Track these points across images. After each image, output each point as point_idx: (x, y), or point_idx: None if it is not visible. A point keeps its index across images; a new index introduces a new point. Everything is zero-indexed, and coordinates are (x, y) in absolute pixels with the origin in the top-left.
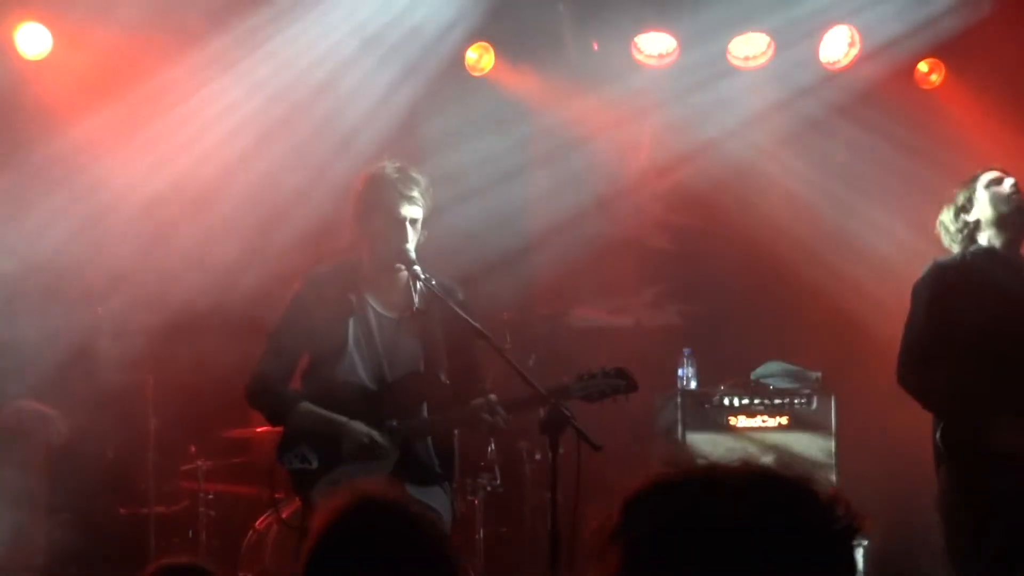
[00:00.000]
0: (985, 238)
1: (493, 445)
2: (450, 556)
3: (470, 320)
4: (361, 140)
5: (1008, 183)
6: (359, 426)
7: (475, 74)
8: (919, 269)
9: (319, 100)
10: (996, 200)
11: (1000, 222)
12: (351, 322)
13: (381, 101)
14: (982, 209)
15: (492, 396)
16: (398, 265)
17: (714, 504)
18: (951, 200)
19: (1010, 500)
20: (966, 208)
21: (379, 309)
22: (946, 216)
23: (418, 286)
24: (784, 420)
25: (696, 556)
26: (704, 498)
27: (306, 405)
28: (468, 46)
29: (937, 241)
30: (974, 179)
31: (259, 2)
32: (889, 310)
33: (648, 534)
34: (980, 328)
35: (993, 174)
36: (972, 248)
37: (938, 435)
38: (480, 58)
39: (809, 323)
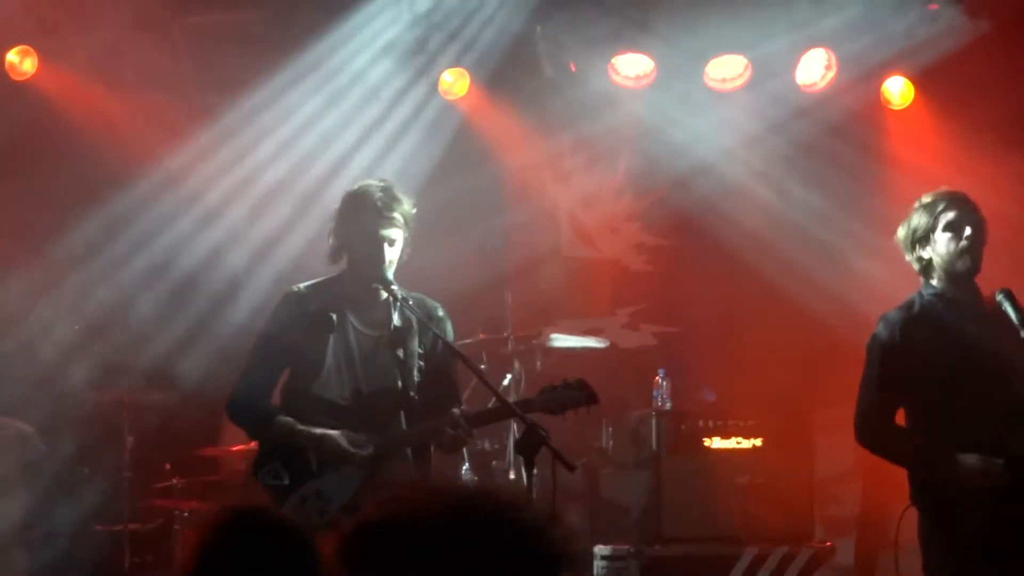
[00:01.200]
0: (937, 279)
1: (467, 464)
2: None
3: (447, 340)
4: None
5: (965, 237)
6: (334, 434)
7: (449, 98)
8: (902, 286)
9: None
10: (950, 254)
11: (951, 274)
12: (331, 339)
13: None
14: (938, 252)
15: (456, 411)
16: (376, 284)
17: (422, 535)
18: (908, 221)
19: (982, 536)
20: (922, 242)
21: (358, 326)
22: (903, 238)
23: (398, 304)
24: (759, 442)
25: None
26: (411, 530)
27: (283, 419)
28: (443, 71)
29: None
30: (934, 212)
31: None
32: (870, 328)
33: (367, 562)
34: (934, 376)
35: (952, 215)
36: (923, 292)
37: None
38: (455, 82)
39: (786, 342)
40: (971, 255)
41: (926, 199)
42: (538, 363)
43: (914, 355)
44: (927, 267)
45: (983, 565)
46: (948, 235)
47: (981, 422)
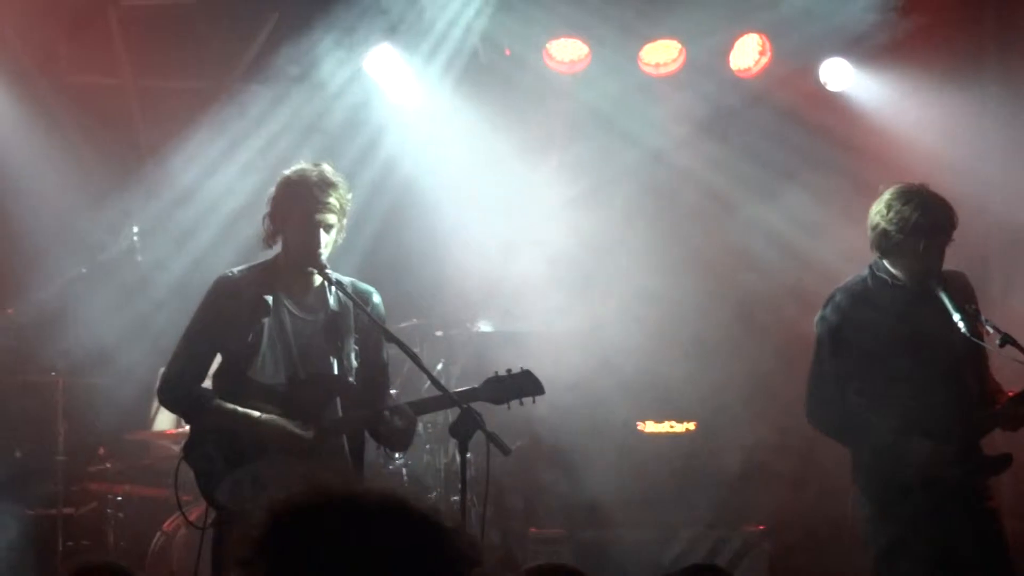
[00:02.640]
0: (894, 265)
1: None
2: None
3: (382, 325)
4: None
5: (931, 262)
6: (271, 417)
7: (379, 76)
8: (851, 268)
9: None
10: (915, 256)
11: (912, 273)
12: (265, 322)
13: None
14: (901, 252)
15: (393, 391)
16: (310, 268)
17: (350, 527)
18: (881, 202)
19: (922, 525)
20: (888, 234)
21: (293, 310)
22: (872, 225)
23: (333, 289)
24: (692, 426)
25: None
26: (340, 521)
27: (220, 403)
28: (373, 49)
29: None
30: (906, 212)
31: None
32: (810, 304)
33: (284, 551)
34: (880, 356)
35: (924, 221)
36: (875, 270)
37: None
38: (385, 63)
39: (726, 326)
40: (930, 275)
41: (907, 205)
42: (470, 348)
43: (862, 336)
44: (886, 251)
45: (923, 547)
46: (917, 244)
47: (927, 408)
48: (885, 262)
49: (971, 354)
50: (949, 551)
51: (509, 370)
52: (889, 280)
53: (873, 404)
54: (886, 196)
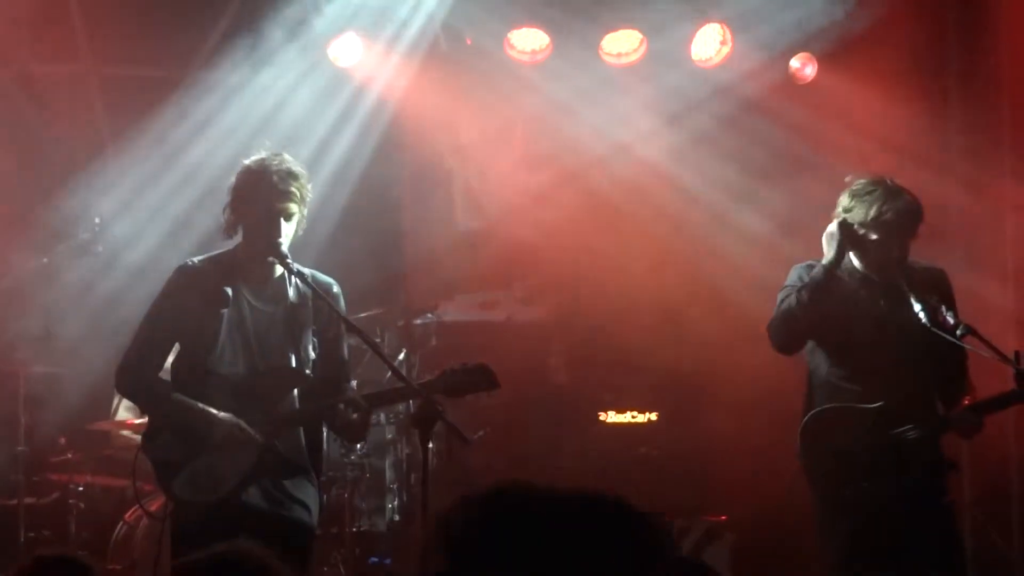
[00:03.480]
0: (859, 256)
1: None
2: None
3: (343, 315)
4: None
5: (895, 253)
6: (228, 417)
7: (340, 65)
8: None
9: None
10: (880, 248)
11: (877, 265)
12: (224, 313)
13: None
14: (865, 244)
15: (352, 384)
16: (271, 259)
17: (546, 521)
18: (847, 193)
19: (851, 503)
20: (852, 225)
21: (253, 301)
22: (840, 207)
23: (292, 279)
24: (654, 416)
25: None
26: (536, 515)
27: (177, 396)
28: (334, 38)
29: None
30: (872, 203)
31: None
32: (768, 291)
33: (475, 547)
34: (832, 347)
35: (890, 213)
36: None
37: (800, 434)
38: (347, 49)
39: (686, 313)
40: (891, 264)
41: (872, 196)
42: (433, 338)
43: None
44: (851, 241)
45: (850, 535)
46: (881, 247)
47: (875, 403)
48: (850, 253)
49: (936, 349)
50: (902, 549)
51: (465, 364)
52: (846, 275)
53: (825, 394)
54: (852, 187)
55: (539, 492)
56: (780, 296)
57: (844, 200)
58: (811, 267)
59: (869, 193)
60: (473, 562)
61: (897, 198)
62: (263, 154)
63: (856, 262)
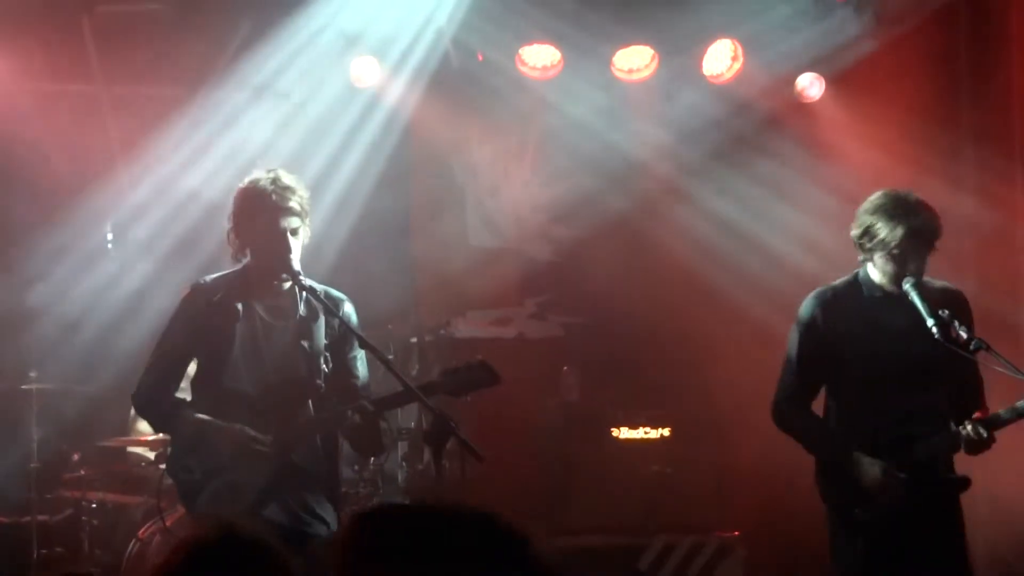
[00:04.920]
0: (877, 270)
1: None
2: None
3: (354, 330)
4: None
5: (910, 274)
6: (238, 428)
7: (359, 85)
8: (832, 274)
9: None
10: (899, 261)
11: (894, 279)
12: (237, 329)
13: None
14: (884, 256)
15: (363, 401)
16: (283, 275)
17: (437, 535)
18: (870, 203)
19: (868, 529)
20: (872, 236)
21: (265, 317)
22: (858, 227)
23: (303, 294)
24: (667, 431)
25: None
26: (427, 529)
27: (187, 413)
28: (353, 59)
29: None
30: (894, 214)
31: None
32: (784, 307)
33: (373, 553)
34: (850, 362)
35: (911, 225)
36: (860, 277)
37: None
38: (366, 71)
39: (699, 328)
40: (909, 283)
41: (895, 208)
42: (445, 354)
43: (834, 340)
44: (869, 251)
45: (866, 556)
46: (900, 260)
47: (890, 419)
48: (868, 266)
49: (950, 366)
50: (914, 566)
51: (467, 361)
52: (865, 289)
53: (841, 411)
54: (875, 198)
55: (411, 510)
56: (782, 383)
57: (865, 208)
58: (822, 298)
59: (891, 203)
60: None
61: (917, 214)
62: (257, 174)
63: (872, 276)
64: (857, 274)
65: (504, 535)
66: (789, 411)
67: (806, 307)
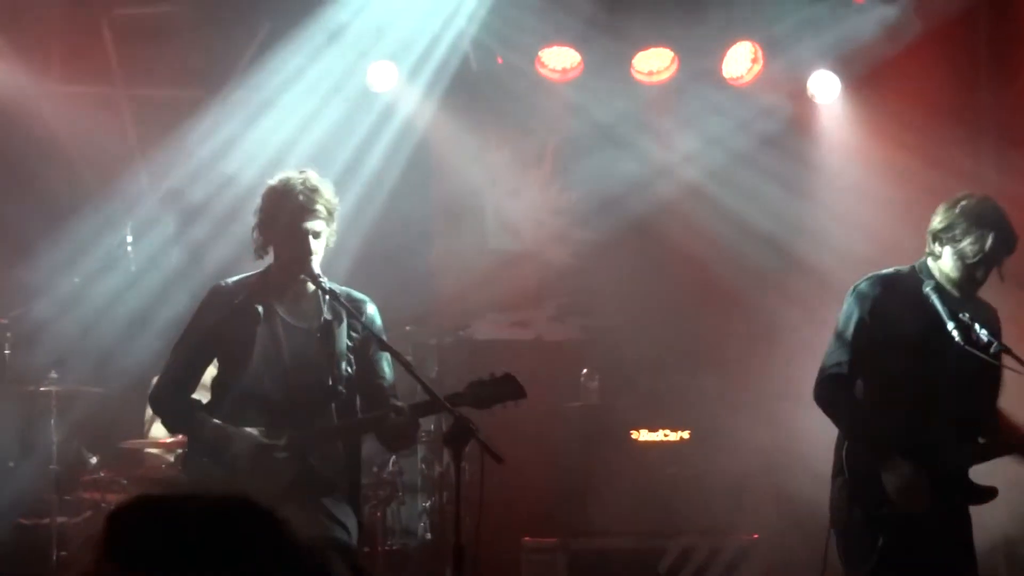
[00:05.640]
0: (937, 268)
1: (394, 458)
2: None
3: (376, 333)
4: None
5: (979, 280)
6: (253, 436)
7: (378, 89)
8: (851, 275)
9: None
10: (970, 258)
11: (954, 280)
12: (258, 331)
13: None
14: (957, 252)
15: (398, 403)
16: (303, 277)
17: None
18: (957, 198)
19: (889, 526)
20: (952, 229)
21: (287, 319)
22: (939, 223)
23: (326, 297)
24: (686, 434)
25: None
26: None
27: (203, 416)
28: (372, 63)
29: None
30: (981, 213)
31: None
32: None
33: (134, 550)
34: (904, 358)
35: (993, 227)
36: (919, 270)
37: (843, 452)
38: (385, 74)
39: (718, 331)
40: (973, 287)
41: (984, 208)
42: (464, 356)
43: (891, 327)
44: (944, 242)
45: (887, 550)
46: (969, 267)
47: (927, 421)
48: (930, 262)
49: (983, 374)
50: (928, 566)
51: (492, 374)
52: (926, 283)
53: (875, 402)
54: (967, 199)
55: (173, 497)
56: (830, 350)
57: (952, 202)
58: (887, 282)
59: (981, 204)
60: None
61: (1004, 217)
62: (287, 172)
63: (935, 271)
64: (915, 267)
65: (251, 520)
66: (837, 388)
67: (869, 286)
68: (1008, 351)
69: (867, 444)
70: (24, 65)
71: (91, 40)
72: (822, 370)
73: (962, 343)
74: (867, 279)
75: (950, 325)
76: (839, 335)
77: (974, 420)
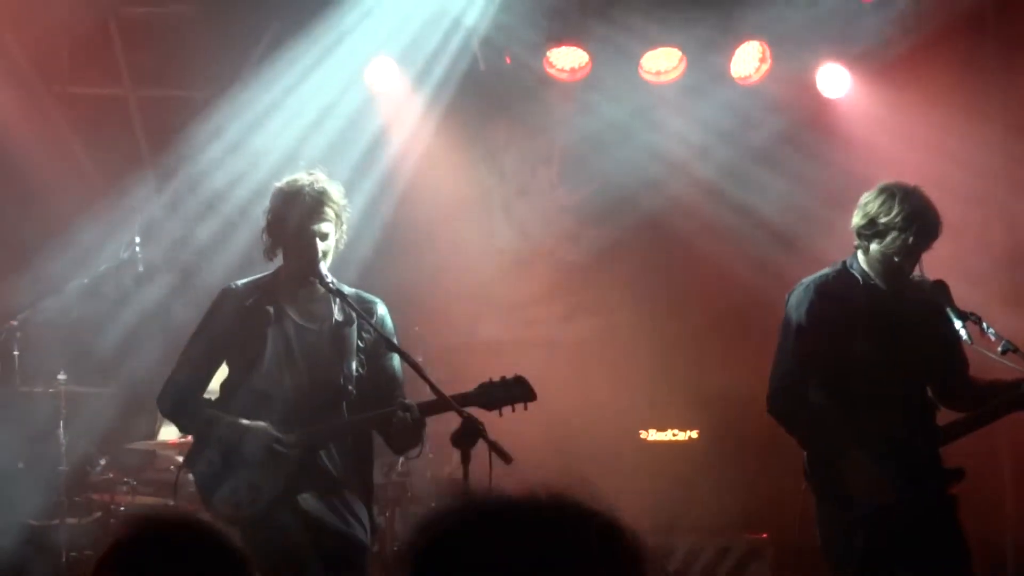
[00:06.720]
0: (870, 261)
1: (403, 459)
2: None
3: (385, 335)
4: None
5: (916, 248)
6: (263, 427)
7: (386, 90)
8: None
9: None
10: (897, 251)
11: (886, 271)
12: (269, 332)
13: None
14: (883, 245)
15: (408, 401)
16: (311, 279)
17: (505, 538)
18: (876, 190)
19: (865, 524)
20: (876, 223)
21: (297, 320)
22: (861, 215)
23: (337, 299)
24: (695, 433)
25: None
26: (492, 532)
27: (211, 412)
28: (370, 61)
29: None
30: (900, 205)
31: None
32: None
33: (437, 562)
34: (851, 354)
35: (915, 218)
36: (848, 269)
37: (805, 460)
38: (392, 75)
39: (727, 330)
40: (903, 275)
41: (902, 199)
42: (473, 355)
43: (835, 331)
44: (869, 238)
45: (865, 553)
46: (898, 251)
47: (881, 416)
48: (860, 257)
49: (947, 357)
50: (913, 559)
51: (503, 376)
52: (860, 278)
53: (833, 404)
54: (881, 186)
55: (492, 506)
56: (778, 369)
57: (872, 195)
58: (821, 288)
59: (899, 194)
60: None
61: (924, 204)
62: (296, 174)
63: (866, 265)
64: (846, 263)
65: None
66: (791, 400)
67: (804, 295)
68: (1016, 350)
69: (825, 447)
70: (31, 65)
71: (99, 40)
72: (772, 384)
73: (971, 342)
74: (798, 287)
75: (958, 324)
76: (781, 346)
77: (946, 396)
